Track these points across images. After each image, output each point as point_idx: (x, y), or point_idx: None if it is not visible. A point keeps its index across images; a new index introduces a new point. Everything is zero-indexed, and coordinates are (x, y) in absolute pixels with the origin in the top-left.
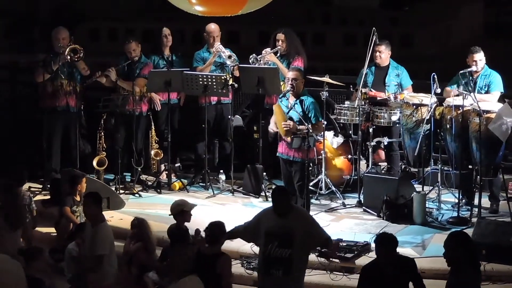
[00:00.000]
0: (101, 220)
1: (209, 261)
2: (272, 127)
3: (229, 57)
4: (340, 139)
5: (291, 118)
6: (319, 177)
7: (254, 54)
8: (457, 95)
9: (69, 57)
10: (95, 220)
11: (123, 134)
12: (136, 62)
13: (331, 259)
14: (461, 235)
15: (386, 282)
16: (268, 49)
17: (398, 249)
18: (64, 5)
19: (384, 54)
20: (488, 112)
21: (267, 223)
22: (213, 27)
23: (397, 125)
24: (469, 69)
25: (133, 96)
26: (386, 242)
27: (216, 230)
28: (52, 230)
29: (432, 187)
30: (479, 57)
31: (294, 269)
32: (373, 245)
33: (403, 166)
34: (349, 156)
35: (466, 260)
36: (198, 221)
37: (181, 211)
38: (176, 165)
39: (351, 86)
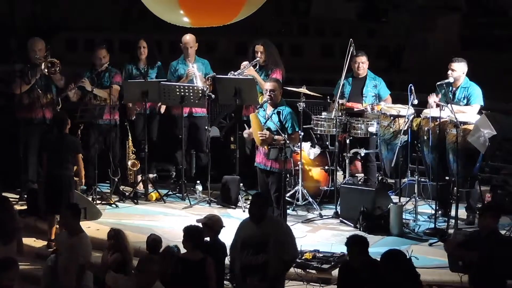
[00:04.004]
0: (80, 230)
1: (196, 266)
2: (245, 135)
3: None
4: (317, 150)
5: (268, 129)
6: (296, 188)
7: (232, 71)
8: (437, 106)
9: (46, 70)
10: (73, 230)
11: (100, 144)
12: (105, 71)
13: None
14: (393, 256)
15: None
16: (246, 63)
17: None
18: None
19: (366, 65)
20: (465, 123)
21: (244, 233)
22: (188, 37)
23: (374, 136)
24: (446, 81)
25: (110, 105)
26: (355, 243)
27: (196, 234)
28: (28, 241)
29: (409, 199)
30: (457, 67)
31: (270, 276)
32: None
33: (380, 177)
34: (326, 167)
35: (407, 277)
36: (174, 233)
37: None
38: (153, 175)
39: (328, 97)
